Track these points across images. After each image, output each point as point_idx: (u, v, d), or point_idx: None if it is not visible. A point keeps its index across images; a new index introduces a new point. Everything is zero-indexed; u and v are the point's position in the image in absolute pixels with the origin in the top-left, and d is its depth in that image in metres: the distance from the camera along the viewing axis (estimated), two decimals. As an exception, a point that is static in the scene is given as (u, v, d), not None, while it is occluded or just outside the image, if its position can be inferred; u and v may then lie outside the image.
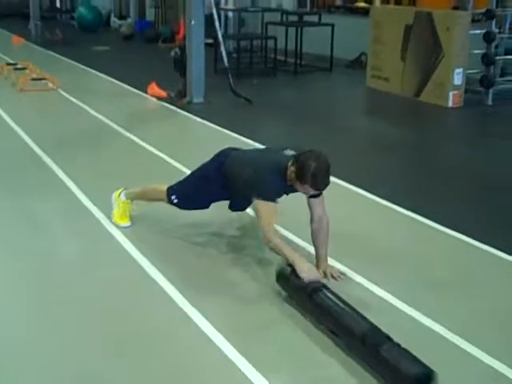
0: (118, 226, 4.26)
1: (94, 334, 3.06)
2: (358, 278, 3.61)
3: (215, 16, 8.72)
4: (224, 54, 8.69)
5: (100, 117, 7.57)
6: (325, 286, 3.19)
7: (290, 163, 3.41)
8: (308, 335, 3.03)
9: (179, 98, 8.58)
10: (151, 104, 8.62)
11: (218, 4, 11.83)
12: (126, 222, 4.26)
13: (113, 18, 19.03)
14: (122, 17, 19.37)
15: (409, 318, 3.22)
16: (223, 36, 9.61)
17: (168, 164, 5.76)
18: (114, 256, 3.92)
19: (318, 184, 3.36)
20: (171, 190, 4.00)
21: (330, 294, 3.10)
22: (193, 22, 8.22)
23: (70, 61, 12.19)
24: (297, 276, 3.23)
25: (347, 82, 10.69)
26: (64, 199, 4.87)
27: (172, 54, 8.63)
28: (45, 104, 8.43)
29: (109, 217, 4.35)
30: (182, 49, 8.53)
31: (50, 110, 8.18)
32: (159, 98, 8.71)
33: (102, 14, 18.28)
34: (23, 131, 6.83)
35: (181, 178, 4.13)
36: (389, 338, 2.75)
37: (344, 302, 3.05)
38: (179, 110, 8.19)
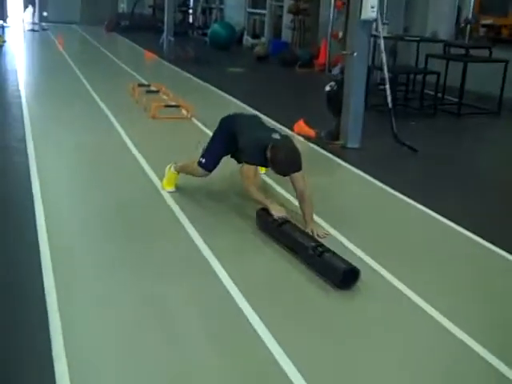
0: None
1: None
2: None
3: (382, 46, 7.38)
4: (388, 92, 7.36)
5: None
6: (288, 221, 4.34)
7: (269, 146, 4.50)
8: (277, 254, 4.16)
9: (330, 139, 7.36)
10: (298, 144, 7.40)
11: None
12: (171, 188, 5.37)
13: (246, 36, 18.18)
14: (255, 35, 18.50)
15: None
16: (371, 66, 8.28)
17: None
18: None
19: (282, 172, 4.62)
20: (200, 157, 5.11)
21: (290, 226, 4.29)
22: (355, 54, 6.98)
23: (202, 82, 11.28)
24: (269, 214, 4.42)
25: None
26: (213, 295, 3.73)
27: (327, 88, 7.41)
28: (177, 136, 7.40)
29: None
30: (339, 84, 7.30)
31: (182, 145, 7.14)
32: (307, 138, 7.51)
33: (236, 32, 17.47)
34: (153, 171, 5.82)
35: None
36: (329, 250, 3.89)
37: (300, 230, 4.27)
38: (330, 155, 6.96)
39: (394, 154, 7.15)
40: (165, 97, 9.23)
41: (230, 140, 4.94)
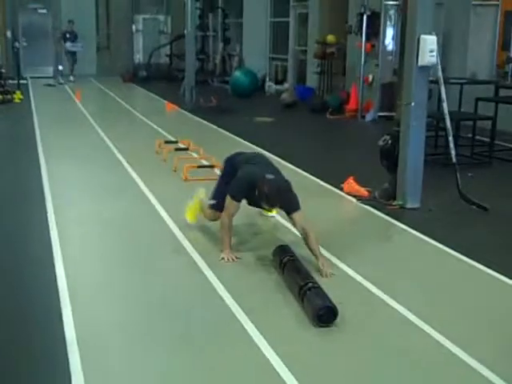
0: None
1: None
2: None
3: (443, 94, 6.57)
4: (452, 145, 6.54)
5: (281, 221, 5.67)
6: (294, 258, 4.59)
7: (259, 183, 4.69)
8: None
9: (385, 199, 6.54)
10: (350, 206, 6.62)
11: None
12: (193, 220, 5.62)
13: (268, 83, 17.54)
14: (278, 81, 17.87)
15: None
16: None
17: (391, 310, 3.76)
18: None
19: (271, 202, 4.78)
20: (211, 200, 5.27)
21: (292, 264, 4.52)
22: (412, 104, 6.20)
23: (230, 135, 10.55)
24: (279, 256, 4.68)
25: None
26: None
27: (380, 142, 6.62)
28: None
29: None
30: (394, 137, 6.51)
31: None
32: (359, 198, 6.70)
33: (258, 79, 16.84)
34: (193, 246, 5.03)
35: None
36: (315, 287, 4.08)
37: (297, 268, 4.47)
38: (388, 218, 6.15)
39: (461, 214, 6.32)
40: (195, 154, 8.50)
41: (230, 178, 5.00)
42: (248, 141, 9.83)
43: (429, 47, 6.03)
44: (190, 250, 5.08)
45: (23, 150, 9.19)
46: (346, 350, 3.62)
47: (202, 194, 5.60)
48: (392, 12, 12.42)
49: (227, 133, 10.77)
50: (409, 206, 6.40)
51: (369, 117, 12.48)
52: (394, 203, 6.45)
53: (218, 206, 5.13)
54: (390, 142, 6.53)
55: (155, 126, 11.26)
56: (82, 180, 7.41)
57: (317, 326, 3.81)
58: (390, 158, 6.53)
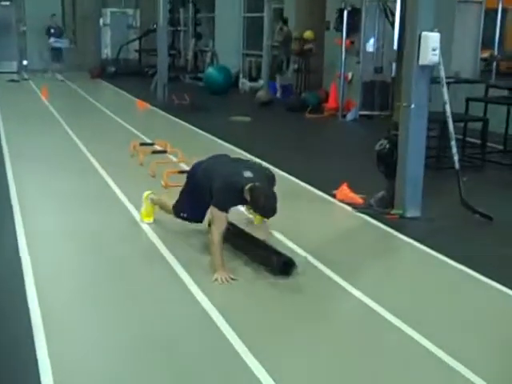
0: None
1: None
2: None
3: (446, 95, 6.13)
4: (455, 150, 6.13)
5: (283, 240, 5.19)
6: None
7: (246, 188, 4.35)
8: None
9: (383, 207, 6.11)
10: (345, 215, 6.16)
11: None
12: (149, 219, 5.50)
13: (242, 80, 17.02)
14: (251, 78, 17.38)
15: None
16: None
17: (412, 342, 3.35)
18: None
19: (265, 215, 4.56)
20: (181, 213, 5.09)
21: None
22: (412, 106, 5.78)
23: (208, 135, 10.04)
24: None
25: None
26: None
27: (377, 147, 6.18)
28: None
29: None
30: (392, 141, 6.08)
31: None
32: (354, 206, 6.26)
33: (232, 76, 16.32)
34: (185, 270, 4.52)
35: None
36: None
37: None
38: (386, 228, 5.73)
39: (463, 223, 5.91)
40: (173, 158, 7.97)
41: (199, 191, 4.78)
42: (227, 141, 9.36)
43: (431, 45, 5.61)
44: (171, 262, 4.59)
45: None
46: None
47: (146, 194, 5.51)
48: (373, 8, 11.99)
49: (204, 133, 10.25)
50: (409, 215, 5.97)
51: (350, 116, 12.08)
52: (392, 212, 6.02)
53: (191, 217, 5.08)
54: (387, 146, 6.09)
55: (128, 126, 10.68)
56: (55, 187, 6.80)
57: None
58: (388, 163, 6.09)
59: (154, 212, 5.48)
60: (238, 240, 4.89)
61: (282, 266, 4.43)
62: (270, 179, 4.69)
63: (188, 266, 4.59)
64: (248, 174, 4.47)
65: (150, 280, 4.45)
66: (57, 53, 17.94)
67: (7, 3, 20.84)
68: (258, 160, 7.33)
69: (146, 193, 5.50)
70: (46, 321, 3.71)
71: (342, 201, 6.43)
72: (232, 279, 4.35)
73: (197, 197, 4.83)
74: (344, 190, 6.45)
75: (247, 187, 4.33)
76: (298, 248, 5.03)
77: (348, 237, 5.67)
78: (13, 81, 17.71)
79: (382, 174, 6.26)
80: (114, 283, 4.41)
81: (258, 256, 4.64)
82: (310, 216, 6.09)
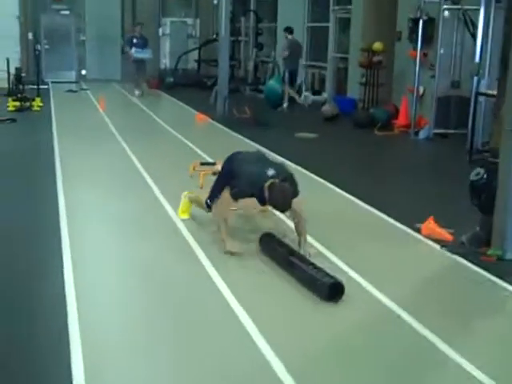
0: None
1: None
2: None
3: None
4: None
5: (364, 284, 4.45)
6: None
7: (266, 185, 4.80)
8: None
9: (476, 246, 5.31)
10: (432, 255, 5.36)
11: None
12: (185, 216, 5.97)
13: (305, 93, 16.30)
14: (314, 91, 16.66)
15: None
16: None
17: None
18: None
19: (277, 209, 5.08)
20: (207, 200, 5.52)
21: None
22: (518, 128, 4.97)
23: (274, 155, 9.31)
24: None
25: None
26: None
27: (473, 176, 5.38)
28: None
29: None
30: (491, 170, 5.27)
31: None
32: (442, 244, 5.47)
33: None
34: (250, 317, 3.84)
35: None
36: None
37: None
38: (481, 271, 4.94)
39: None
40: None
41: (228, 179, 5.16)
42: (297, 164, 8.35)
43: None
44: (245, 322, 3.90)
45: (38, 171, 8.05)
46: None
47: (185, 193, 5.99)
48: (451, 17, 11.12)
49: (269, 151, 9.54)
50: (509, 256, 5.15)
51: (423, 134, 11.21)
52: (488, 252, 5.21)
53: (210, 204, 5.50)
54: (485, 176, 5.28)
55: (187, 142, 10.11)
56: (109, 214, 6.23)
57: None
58: (485, 196, 5.29)
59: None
60: (285, 261, 4.79)
61: (328, 289, 4.22)
62: (289, 177, 5.04)
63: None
64: (271, 172, 4.92)
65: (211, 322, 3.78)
66: (139, 64, 16.76)
67: (67, 12, 20.67)
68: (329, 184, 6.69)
69: (184, 193, 6.00)
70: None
71: (427, 236, 5.65)
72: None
73: (221, 187, 5.26)
74: (431, 226, 5.65)
75: (266, 184, 4.79)
76: (384, 297, 4.30)
77: (440, 282, 4.88)
78: (71, 91, 17.42)
79: (474, 207, 5.46)
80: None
81: (304, 280, 4.49)
82: (395, 254, 5.33)
